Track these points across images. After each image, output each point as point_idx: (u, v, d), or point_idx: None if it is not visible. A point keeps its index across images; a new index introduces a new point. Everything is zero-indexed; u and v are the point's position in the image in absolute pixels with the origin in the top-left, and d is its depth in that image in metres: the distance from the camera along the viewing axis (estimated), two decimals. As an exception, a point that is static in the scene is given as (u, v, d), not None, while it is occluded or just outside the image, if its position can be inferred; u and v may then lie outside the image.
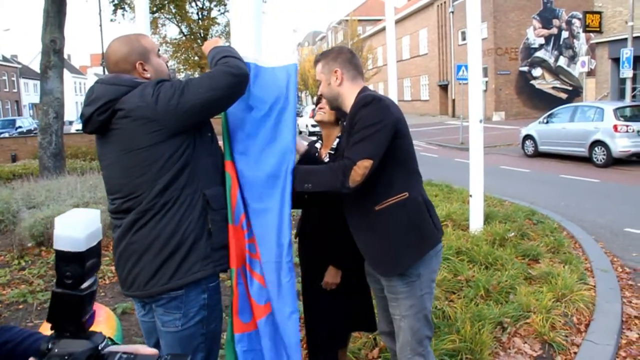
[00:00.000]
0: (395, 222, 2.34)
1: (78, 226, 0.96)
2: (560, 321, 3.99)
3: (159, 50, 2.34)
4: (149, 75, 2.23)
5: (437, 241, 2.46)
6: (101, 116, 2.08)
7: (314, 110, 3.05)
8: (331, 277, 2.85)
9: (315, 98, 3.13)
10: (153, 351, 1.04)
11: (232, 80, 2.07)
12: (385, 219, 2.34)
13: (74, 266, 0.97)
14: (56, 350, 0.97)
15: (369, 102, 2.31)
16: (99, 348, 1.00)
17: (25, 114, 59.51)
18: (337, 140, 2.85)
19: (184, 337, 2.14)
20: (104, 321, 3.31)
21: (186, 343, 2.15)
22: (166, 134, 2.06)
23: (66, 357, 0.95)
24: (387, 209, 2.34)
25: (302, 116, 31.53)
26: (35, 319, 4.45)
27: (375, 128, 2.25)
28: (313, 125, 28.32)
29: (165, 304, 2.13)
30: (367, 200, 2.36)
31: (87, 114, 2.11)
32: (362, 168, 2.20)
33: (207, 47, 2.33)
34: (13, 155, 18.41)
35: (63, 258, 0.97)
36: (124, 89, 2.09)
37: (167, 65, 2.35)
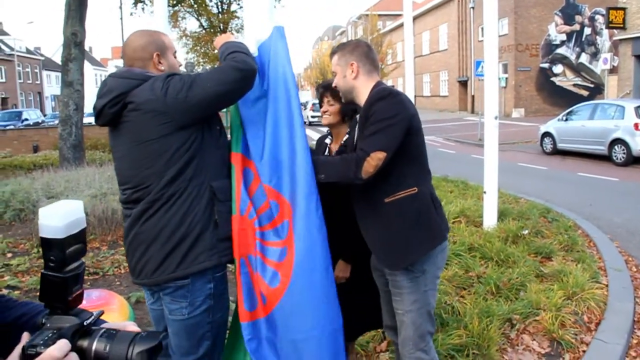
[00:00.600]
0: (403, 216, 2.37)
1: (58, 216, 1.05)
2: (570, 319, 3.99)
3: (175, 52, 2.42)
4: (163, 68, 2.30)
5: (444, 238, 2.48)
6: (112, 109, 2.14)
7: (314, 105, 3.10)
8: (341, 271, 2.89)
9: (317, 92, 3.15)
10: (136, 329, 1.12)
11: (239, 75, 2.12)
12: (394, 211, 2.37)
13: (56, 251, 1.06)
14: (48, 325, 1.07)
15: (386, 95, 2.34)
16: (84, 324, 1.08)
17: (47, 106, 60.37)
18: (347, 136, 2.88)
19: (190, 326, 2.20)
20: (117, 309, 3.40)
21: (192, 331, 2.21)
22: (175, 126, 2.11)
23: (55, 331, 1.04)
24: (397, 202, 2.37)
25: (305, 108, 31.87)
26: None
27: (390, 121, 2.28)
28: (312, 117, 29.58)
29: (172, 293, 2.19)
30: (377, 192, 2.39)
31: (99, 106, 2.17)
32: (375, 160, 2.23)
33: (218, 42, 2.39)
34: (35, 145, 18.69)
35: (46, 244, 1.06)
36: (135, 82, 2.15)
37: (180, 66, 2.46)
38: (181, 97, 2.07)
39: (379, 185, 2.37)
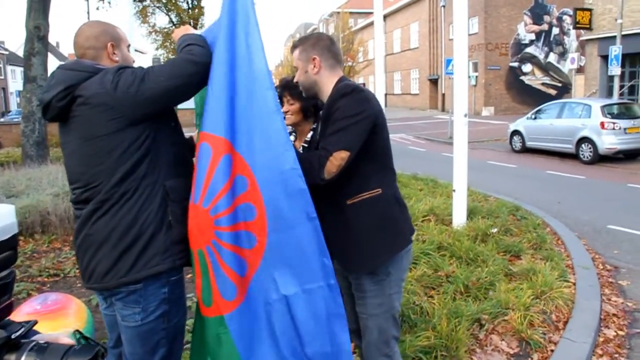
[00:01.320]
0: (367, 218, 2.28)
1: None
2: (538, 318, 3.97)
3: (129, 45, 2.32)
4: (117, 59, 2.20)
5: (409, 241, 2.40)
6: (60, 102, 2.03)
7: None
8: None
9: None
10: (70, 342, 1.08)
11: (194, 68, 2.02)
12: (357, 214, 2.28)
13: None
14: None
15: (349, 92, 2.24)
16: (12, 337, 1.04)
17: (12, 102, 58.88)
18: (311, 132, 2.79)
19: (143, 332, 2.09)
20: (74, 313, 3.25)
21: (146, 338, 2.10)
22: (125, 121, 2.00)
23: None
24: (359, 204, 2.29)
25: None
26: (8, 310, 4.38)
27: (354, 119, 2.18)
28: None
29: (123, 298, 2.08)
30: (339, 193, 2.30)
31: (46, 100, 2.05)
32: (338, 159, 2.14)
33: (176, 34, 2.27)
34: (-3, 142, 18.23)
35: None
36: (84, 74, 2.04)
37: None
38: (132, 91, 1.97)
39: (341, 186, 2.27)
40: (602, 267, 5.63)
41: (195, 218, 2.10)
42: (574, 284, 4.85)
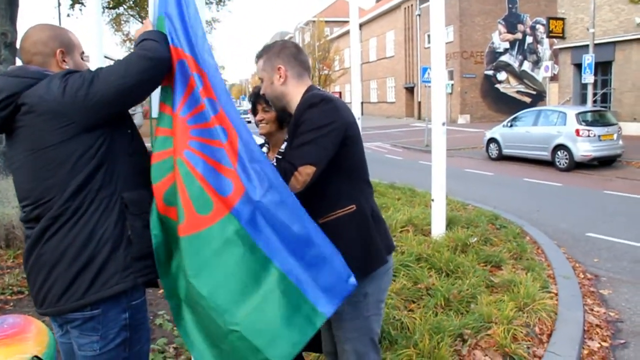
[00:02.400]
0: (340, 237, 2.10)
1: None
2: (522, 332, 3.85)
3: (83, 53, 2.14)
4: (67, 67, 2.02)
5: (385, 260, 2.24)
6: (2, 112, 1.85)
7: (251, 110, 2.83)
8: None
9: (249, 101, 2.90)
10: None
11: (146, 64, 1.86)
12: (331, 232, 2.09)
13: None
14: None
15: (317, 102, 2.09)
16: None
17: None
18: (285, 144, 2.64)
19: None
20: (33, 337, 3.03)
21: None
22: (76, 129, 1.83)
23: None
24: (333, 222, 2.14)
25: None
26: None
27: (321, 131, 2.03)
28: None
29: (80, 325, 1.90)
30: (311, 211, 2.11)
31: None
32: (303, 175, 2.00)
33: (137, 34, 2.11)
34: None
35: None
36: (29, 81, 1.87)
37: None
38: (81, 94, 1.80)
39: (314, 204, 2.11)
40: (582, 276, 5.57)
41: (174, 125, 1.97)
42: (556, 294, 4.76)
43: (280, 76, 2.22)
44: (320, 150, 2.03)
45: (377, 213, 2.29)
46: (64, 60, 2.02)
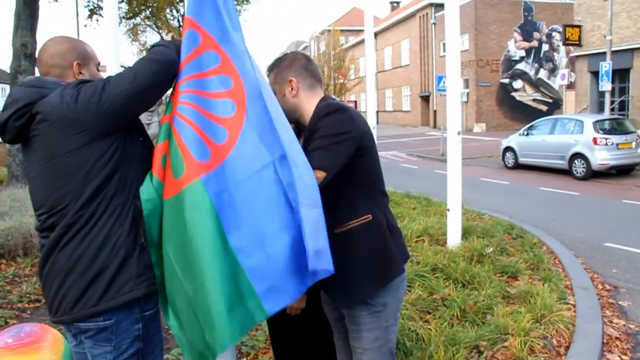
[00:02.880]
0: (357, 247, 2.11)
1: None
2: (539, 344, 3.80)
3: (99, 64, 2.18)
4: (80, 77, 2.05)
5: (402, 269, 2.24)
6: (18, 122, 1.89)
7: None
8: (296, 301, 2.62)
9: None
10: None
11: (154, 67, 1.90)
12: (347, 243, 2.12)
13: None
14: None
15: (333, 111, 2.09)
16: None
17: (2, 120, 58.51)
18: None
19: None
20: (49, 346, 3.05)
21: None
22: (90, 136, 1.86)
23: None
24: (349, 232, 2.13)
25: None
26: (-17, 339, 4.16)
27: (336, 139, 2.03)
28: None
29: (94, 336, 1.92)
30: (326, 221, 2.11)
31: (2, 119, 1.91)
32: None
33: None
34: (-16, 162, 17.95)
35: None
36: (44, 91, 1.90)
37: None
38: (94, 101, 1.83)
39: (329, 214, 2.07)
40: (601, 287, 5.49)
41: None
42: (574, 305, 4.70)
43: (292, 88, 2.22)
44: (333, 156, 2.02)
45: (393, 223, 2.28)
46: (80, 72, 2.05)
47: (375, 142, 2.34)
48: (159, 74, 1.91)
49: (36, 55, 7.72)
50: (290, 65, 2.25)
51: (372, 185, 2.22)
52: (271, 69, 2.31)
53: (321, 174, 1.98)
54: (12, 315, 4.59)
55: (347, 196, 2.13)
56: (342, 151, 2.04)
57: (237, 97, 1.93)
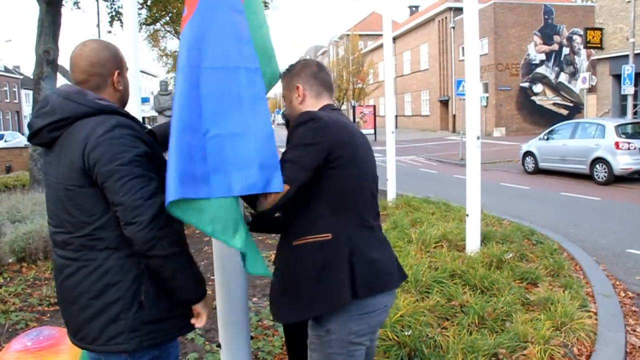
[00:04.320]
0: (306, 264, 2.01)
1: None
2: (559, 352, 3.74)
3: (127, 69, 2.14)
4: (121, 88, 2.04)
5: (347, 300, 2.02)
6: (53, 133, 1.88)
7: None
8: None
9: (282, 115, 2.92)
10: None
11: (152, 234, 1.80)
12: (298, 257, 2.03)
13: None
14: None
15: (306, 120, 2.02)
16: None
17: (25, 125, 59.57)
18: None
19: None
20: (68, 349, 3.09)
21: None
22: (93, 182, 1.85)
23: None
24: (303, 247, 2.04)
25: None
26: (4, 341, 4.21)
27: (303, 150, 1.96)
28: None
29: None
30: (290, 231, 2.09)
31: (36, 126, 1.89)
32: (272, 194, 1.90)
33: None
34: (7, 166, 18.23)
35: None
36: (85, 109, 1.86)
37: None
38: (104, 171, 1.78)
39: (293, 225, 2.06)
40: (624, 295, 5.39)
41: None
42: (595, 313, 4.62)
43: (298, 95, 2.21)
44: (297, 170, 1.94)
45: (364, 249, 2.08)
46: (118, 81, 2.02)
47: (374, 161, 2.25)
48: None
49: (58, 62, 7.75)
50: (300, 72, 2.24)
51: (342, 204, 2.05)
52: (283, 76, 2.30)
53: (285, 187, 1.89)
54: (33, 318, 4.64)
55: (309, 210, 2.04)
56: (307, 162, 1.96)
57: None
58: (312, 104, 2.21)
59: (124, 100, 2.09)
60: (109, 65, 1.99)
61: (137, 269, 1.86)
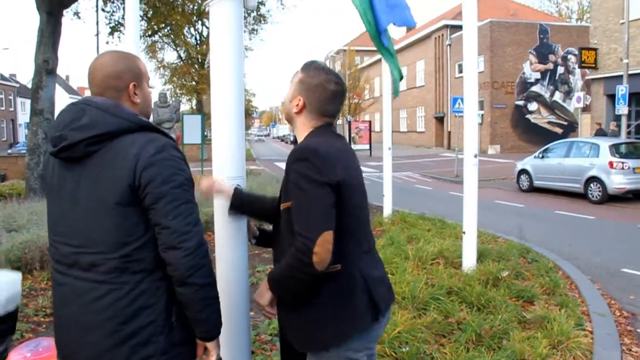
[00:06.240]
0: (322, 295, 2.00)
1: None
2: (556, 371, 3.76)
3: (149, 79, 2.09)
4: (138, 101, 1.96)
5: (367, 324, 2.05)
6: (92, 147, 1.78)
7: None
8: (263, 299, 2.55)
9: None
10: None
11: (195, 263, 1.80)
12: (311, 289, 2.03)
13: None
14: None
15: (305, 158, 1.96)
16: None
17: (20, 133, 59.46)
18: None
19: None
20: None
21: None
22: (138, 202, 1.79)
23: None
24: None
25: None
26: None
27: (318, 192, 1.91)
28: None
29: None
30: None
31: (73, 140, 1.78)
32: (326, 242, 1.87)
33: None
34: (2, 175, 18.18)
35: None
36: (127, 124, 1.81)
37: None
38: (152, 192, 1.76)
39: None
40: (619, 314, 5.42)
41: None
42: (591, 332, 4.64)
43: (297, 104, 2.15)
44: (325, 211, 1.92)
45: (371, 273, 2.10)
46: (135, 94, 1.95)
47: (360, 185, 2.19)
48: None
49: (56, 71, 7.77)
50: (315, 88, 2.13)
51: (350, 232, 2.04)
52: (304, 69, 2.19)
53: (329, 235, 1.88)
54: (28, 329, 4.62)
55: None
56: (328, 202, 1.94)
57: None
58: (307, 120, 2.17)
59: (145, 113, 2.02)
60: (124, 77, 1.92)
61: (168, 291, 1.82)
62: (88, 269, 1.79)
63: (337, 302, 2.00)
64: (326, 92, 2.13)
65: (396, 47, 45.00)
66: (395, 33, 54.88)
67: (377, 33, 2.50)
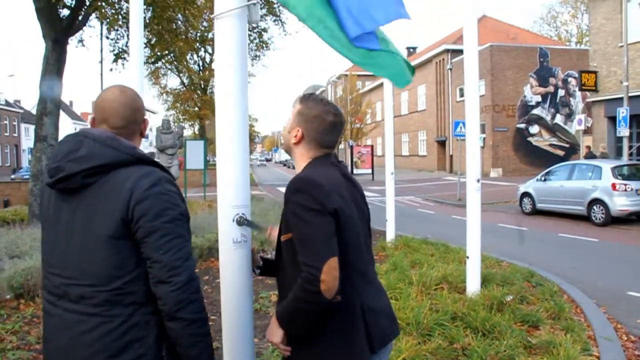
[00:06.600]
0: (322, 327, 1.99)
1: None
2: (563, 397, 3.72)
3: None
4: (146, 135, 2.06)
5: (366, 357, 2.04)
6: (89, 179, 1.80)
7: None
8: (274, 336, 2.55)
9: None
10: None
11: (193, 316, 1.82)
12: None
13: None
14: None
15: (301, 189, 1.97)
16: None
17: (24, 159, 59.72)
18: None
19: None
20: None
21: None
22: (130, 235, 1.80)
23: None
24: None
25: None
26: (1, 381, 4.16)
27: (318, 221, 1.92)
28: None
29: None
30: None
31: (71, 171, 1.79)
32: (332, 269, 1.87)
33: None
34: (5, 200, 18.23)
35: None
36: (124, 157, 1.83)
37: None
38: (145, 227, 1.77)
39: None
40: (625, 339, 5.36)
41: None
42: (598, 357, 4.59)
43: (295, 135, 2.17)
44: (327, 239, 1.92)
45: (370, 305, 2.09)
46: (144, 129, 2.03)
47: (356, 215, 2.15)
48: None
49: (61, 98, 7.83)
50: (314, 119, 2.16)
51: (348, 264, 2.01)
52: (302, 101, 2.22)
53: (334, 261, 1.89)
54: (30, 357, 4.58)
55: None
56: (330, 231, 1.95)
57: None
58: (306, 150, 2.19)
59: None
60: (140, 114, 2.00)
61: (159, 325, 1.82)
62: (77, 301, 1.78)
63: (337, 335, 2.00)
64: (324, 123, 2.16)
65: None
66: (396, 58, 55.22)
67: (351, 44, 2.53)
